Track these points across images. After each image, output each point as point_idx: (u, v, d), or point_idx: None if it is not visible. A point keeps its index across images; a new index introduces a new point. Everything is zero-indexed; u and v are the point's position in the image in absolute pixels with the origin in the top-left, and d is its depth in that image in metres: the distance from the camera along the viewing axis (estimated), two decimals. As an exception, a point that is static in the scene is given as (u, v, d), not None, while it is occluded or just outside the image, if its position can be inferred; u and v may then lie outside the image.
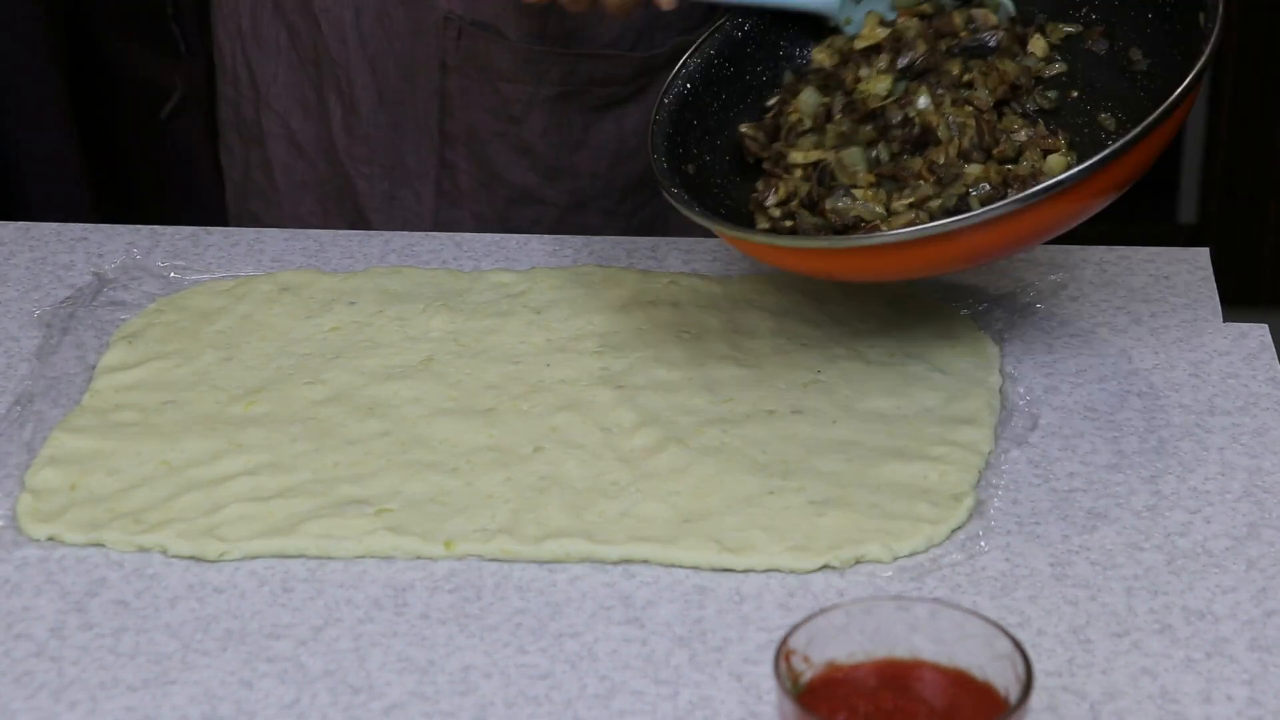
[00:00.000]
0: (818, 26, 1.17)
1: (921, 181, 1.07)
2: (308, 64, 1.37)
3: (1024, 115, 1.11)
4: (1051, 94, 1.13)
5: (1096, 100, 1.13)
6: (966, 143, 1.07)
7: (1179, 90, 1.00)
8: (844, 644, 0.80)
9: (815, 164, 1.10)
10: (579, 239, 1.27)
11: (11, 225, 1.29)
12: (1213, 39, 1.02)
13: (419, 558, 0.97)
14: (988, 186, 1.06)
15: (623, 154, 1.35)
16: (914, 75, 1.11)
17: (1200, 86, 1.02)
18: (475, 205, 1.35)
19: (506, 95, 1.31)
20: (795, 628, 0.79)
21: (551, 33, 1.29)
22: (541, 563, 0.96)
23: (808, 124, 1.12)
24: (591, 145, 1.35)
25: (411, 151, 1.35)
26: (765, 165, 1.13)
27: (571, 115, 1.33)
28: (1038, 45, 1.14)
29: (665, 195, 1.07)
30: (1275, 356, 1.12)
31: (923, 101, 1.09)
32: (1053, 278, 1.19)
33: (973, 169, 1.07)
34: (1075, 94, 1.13)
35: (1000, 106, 1.11)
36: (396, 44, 1.33)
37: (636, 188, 1.37)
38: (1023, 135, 1.09)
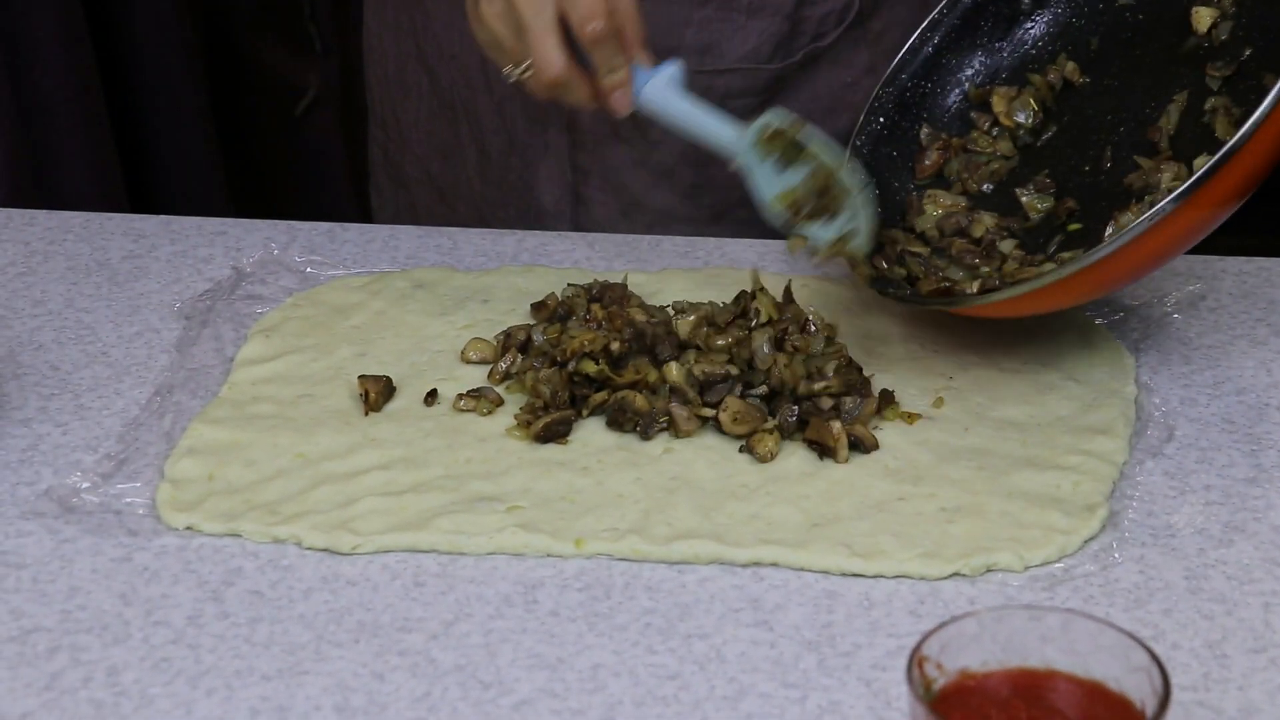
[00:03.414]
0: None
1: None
2: (446, 109, 1.37)
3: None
4: (1220, 64, 1.09)
5: (1268, 52, 1.06)
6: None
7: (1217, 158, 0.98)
8: (977, 652, 0.79)
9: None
10: (711, 241, 1.27)
11: (154, 219, 1.31)
12: None
13: (549, 555, 0.97)
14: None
15: None
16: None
17: None
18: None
19: (643, 121, 1.31)
20: (928, 634, 0.78)
21: (689, 49, 1.29)
22: (671, 563, 0.97)
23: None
24: None
25: (546, 191, 1.35)
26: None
27: None
28: (1201, 19, 1.10)
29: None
30: None
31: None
32: (1190, 288, 1.18)
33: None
34: (1249, 51, 1.08)
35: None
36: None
37: None
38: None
